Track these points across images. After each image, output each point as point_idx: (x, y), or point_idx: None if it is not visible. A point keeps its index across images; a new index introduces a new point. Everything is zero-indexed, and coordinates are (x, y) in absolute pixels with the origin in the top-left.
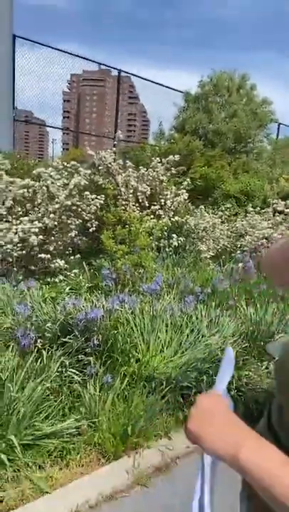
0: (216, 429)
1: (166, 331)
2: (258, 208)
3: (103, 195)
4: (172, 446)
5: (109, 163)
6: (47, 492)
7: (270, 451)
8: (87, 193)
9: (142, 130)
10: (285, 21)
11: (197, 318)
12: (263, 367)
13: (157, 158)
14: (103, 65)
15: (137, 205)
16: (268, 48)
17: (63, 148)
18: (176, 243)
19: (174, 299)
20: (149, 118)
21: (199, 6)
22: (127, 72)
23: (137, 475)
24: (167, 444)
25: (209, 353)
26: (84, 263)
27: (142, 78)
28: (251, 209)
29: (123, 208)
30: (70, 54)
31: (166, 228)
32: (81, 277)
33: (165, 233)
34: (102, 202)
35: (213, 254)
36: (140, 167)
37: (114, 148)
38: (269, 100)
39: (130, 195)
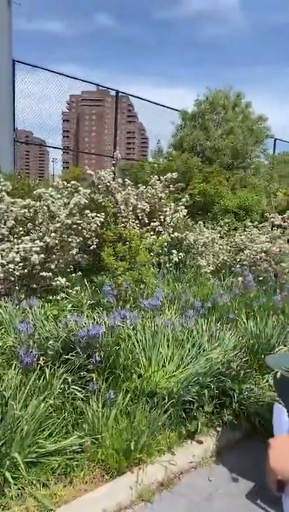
0: None
1: (168, 345)
2: (256, 223)
3: (103, 213)
4: (175, 461)
5: (108, 182)
6: (51, 510)
7: None
8: (87, 211)
9: (141, 148)
10: (277, 36)
11: (198, 333)
12: (264, 380)
13: (156, 176)
14: (101, 86)
15: (137, 222)
16: (262, 63)
17: (64, 167)
18: (176, 259)
19: (175, 313)
20: (148, 136)
21: (191, 25)
22: (125, 93)
23: (140, 491)
24: (170, 459)
25: (210, 367)
26: (85, 280)
27: (139, 98)
28: (250, 223)
29: (123, 225)
30: (68, 76)
31: (166, 244)
32: (82, 294)
33: (165, 249)
34: (102, 220)
35: (213, 268)
36: (139, 184)
37: (112, 168)
38: (264, 117)
39: (130, 213)
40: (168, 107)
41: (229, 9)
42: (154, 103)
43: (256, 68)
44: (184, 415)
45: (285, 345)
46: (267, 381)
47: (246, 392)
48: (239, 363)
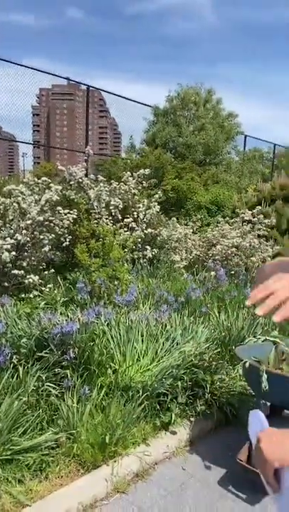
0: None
1: (142, 340)
2: (228, 218)
3: (76, 210)
4: (150, 452)
5: (81, 178)
6: (27, 505)
7: None
8: (59, 208)
9: (114, 143)
10: (247, 34)
11: (172, 327)
12: (235, 370)
13: (128, 172)
14: (71, 80)
15: (110, 218)
16: (232, 61)
17: (35, 162)
18: (150, 255)
19: (149, 309)
20: (121, 131)
21: (165, 21)
22: (96, 88)
23: (116, 482)
24: (145, 450)
25: (184, 360)
26: (59, 277)
27: (110, 93)
28: (221, 219)
29: (96, 221)
30: (36, 70)
31: (139, 240)
32: (56, 292)
33: (139, 245)
34: (74, 216)
35: (186, 263)
36: (112, 181)
37: (84, 164)
38: (234, 113)
39: (103, 209)
40: (139, 103)
41: (200, 5)
42: (126, 98)
43: (226, 65)
44: (158, 407)
45: (254, 337)
46: (238, 371)
47: (218, 383)
48: (211, 355)
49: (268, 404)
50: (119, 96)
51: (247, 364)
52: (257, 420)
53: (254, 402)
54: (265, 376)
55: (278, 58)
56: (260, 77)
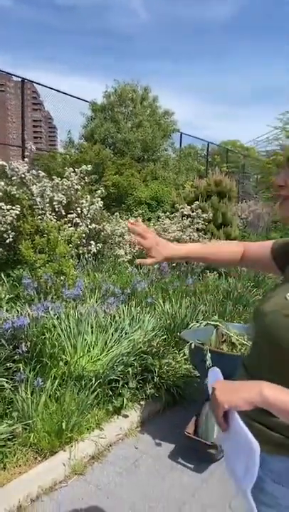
0: (237, 389)
1: (92, 332)
2: (168, 213)
3: (18, 206)
4: (105, 435)
5: (23, 174)
6: None
7: (281, 387)
8: (1, 204)
9: (49, 137)
10: (182, 31)
11: (120, 318)
12: (181, 354)
13: (70, 168)
14: (1, 71)
15: (54, 214)
16: (168, 58)
17: None
18: (94, 249)
19: (96, 302)
20: (56, 125)
21: (104, 15)
22: (32, 81)
23: (73, 466)
24: (99, 434)
25: (133, 347)
26: (2, 274)
27: (48, 87)
28: (162, 214)
29: (40, 217)
30: None
31: (84, 235)
32: (0, 289)
33: (84, 240)
34: (17, 212)
35: (130, 257)
36: (54, 176)
37: (26, 159)
38: (170, 111)
39: (46, 205)
40: (78, 98)
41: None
42: (63, 93)
43: (163, 63)
44: (110, 393)
45: (197, 321)
46: (183, 355)
47: (165, 367)
48: (158, 341)
49: None
50: (57, 90)
51: (192, 345)
52: (214, 375)
53: (198, 382)
54: (208, 355)
55: (211, 57)
56: (195, 75)
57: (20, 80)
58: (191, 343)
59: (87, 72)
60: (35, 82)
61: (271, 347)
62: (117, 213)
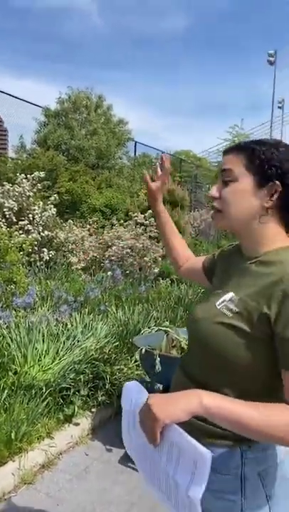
0: (175, 402)
1: (43, 340)
2: (122, 221)
3: None
4: (55, 443)
5: None
6: None
7: (219, 394)
8: None
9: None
10: (136, 41)
11: (72, 325)
12: (132, 361)
13: (22, 175)
14: None
15: (4, 220)
16: (122, 67)
17: None
18: (47, 257)
19: (48, 310)
20: (7, 128)
21: (58, 22)
22: None
23: (22, 475)
24: (50, 443)
25: (85, 355)
26: None
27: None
28: (116, 222)
29: None
30: None
31: (36, 243)
32: None
33: (36, 248)
34: None
35: (84, 265)
36: (4, 182)
37: None
38: (125, 120)
39: None
40: (30, 103)
41: (87, 9)
42: (16, 97)
43: (115, 71)
44: (62, 402)
45: (148, 327)
46: (135, 361)
47: (117, 373)
48: (110, 348)
49: (161, 387)
50: (8, 94)
51: (143, 350)
52: (130, 391)
53: (149, 387)
54: (158, 359)
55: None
56: (151, 86)
57: None
58: (141, 349)
59: (39, 77)
60: None
61: (201, 350)
62: (70, 220)
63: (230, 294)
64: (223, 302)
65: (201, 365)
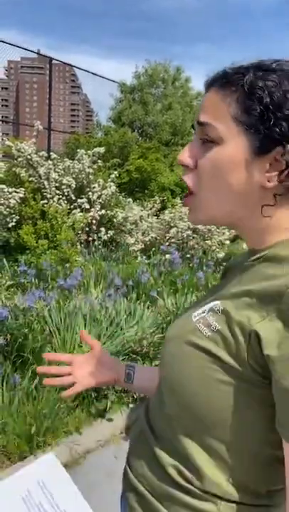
0: None
1: (85, 325)
2: None
3: (23, 189)
4: (82, 441)
5: (29, 155)
6: None
7: None
8: (2, 186)
9: (87, 120)
10: (219, 15)
11: (117, 311)
12: None
13: (82, 150)
14: (40, 54)
15: (64, 198)
16: (203, 41)
17: (2, 139)
18: (104, 237)
19: (101, 292)
20: (94, 109)
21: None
22: (61, 61)
23: None
24: (77, 439)
25: (123, 346)
26: (5, 260)
27: (76, 67)
28: (179, 201)
29: (46, 201)
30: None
31: (94, 222)
32: (1, 275)
33: (94, 227)
34: (21, 195)
35: (141, 246)
36: (65, 159)
37: (33, 139)
38: (204, 93)
39: (54, 188)
40: (106, 78)
41: None
42: (93, 73)
43: (199, 45)
44: (94, 395)
45: None
46: None
47: None
48: (151, 341)
49: None
50: (85, 71)
51: None
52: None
53: None
54: None
55: (255, 38)
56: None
57: (60, 63)
58: None
59: (126, 56)
60: (65, 63)
61: (165, 389)
62: (130, 199)
63: (215, 303)
64: (202, 313)
65: (162, 413)
